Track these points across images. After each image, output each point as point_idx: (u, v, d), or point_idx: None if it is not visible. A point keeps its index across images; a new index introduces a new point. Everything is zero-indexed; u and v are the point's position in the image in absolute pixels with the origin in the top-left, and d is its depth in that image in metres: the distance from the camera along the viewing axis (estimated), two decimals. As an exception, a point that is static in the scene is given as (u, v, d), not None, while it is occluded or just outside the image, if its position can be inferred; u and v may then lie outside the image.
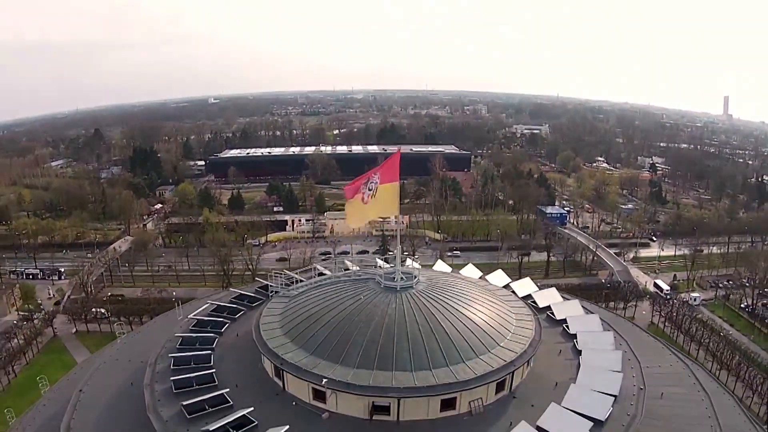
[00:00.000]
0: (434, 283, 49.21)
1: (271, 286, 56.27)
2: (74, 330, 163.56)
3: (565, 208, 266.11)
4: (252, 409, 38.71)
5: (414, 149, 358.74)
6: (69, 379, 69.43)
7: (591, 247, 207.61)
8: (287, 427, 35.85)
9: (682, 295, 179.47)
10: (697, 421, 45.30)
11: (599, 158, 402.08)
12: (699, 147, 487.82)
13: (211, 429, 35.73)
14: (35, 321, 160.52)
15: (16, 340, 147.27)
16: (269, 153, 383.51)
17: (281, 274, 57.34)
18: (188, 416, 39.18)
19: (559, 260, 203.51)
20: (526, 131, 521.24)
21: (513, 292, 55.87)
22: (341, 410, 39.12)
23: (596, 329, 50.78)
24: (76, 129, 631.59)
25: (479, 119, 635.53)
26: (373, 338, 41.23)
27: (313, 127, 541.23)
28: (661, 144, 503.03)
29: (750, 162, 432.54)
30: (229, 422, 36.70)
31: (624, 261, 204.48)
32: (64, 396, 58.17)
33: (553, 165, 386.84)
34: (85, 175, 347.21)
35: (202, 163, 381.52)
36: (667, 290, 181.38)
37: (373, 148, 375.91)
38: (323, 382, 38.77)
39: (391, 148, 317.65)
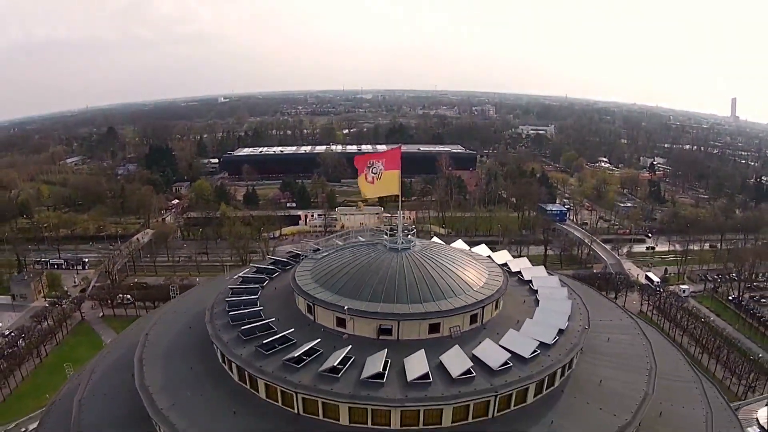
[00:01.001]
0: (427, 248, 62.81)
1: (301, 252, 70.93)
2: (101, 314, 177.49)
3: (566, 206, 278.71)
4: (293, 330, 52.64)
5: (422, 149, 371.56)
6: (126, 333, 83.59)
7: (586, 241, 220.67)
8: (318, 340, 49.59)
9: (672, 287, 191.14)
10: (635, 359, 58.53)
11: (602, 159, 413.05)
12: (702, 148, 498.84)
13: (263, 341, 49.54)
14: (63, 306, 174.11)
15: (46, 323, 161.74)
16: (281, 152, 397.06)
17: (308, 244, 72.07)
18: (244, 338, 52.27)
19: (557, 254, 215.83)
20: (531, 132, 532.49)
21: (492, 260, 69.65)
22: (357, 332, 52.41)
23: (554, 285, 64.47)
24: (87, 127, 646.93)
25: (487, 120, 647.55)
26: (380, 281, 54.72)
27: (323, 126, 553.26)
28: (666, 145, 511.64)
29: (752, 163, 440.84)
30: (275, 338, 50.46)
31: (618, 255, 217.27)
32: (124, 345, 72.16)
33: (557, 165, 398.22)
34: (101, 172, 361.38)
35: (216, 160, 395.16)
36: (658, 282, 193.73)
37: (382, 148, 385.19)
38: (345, 309, 51.98)
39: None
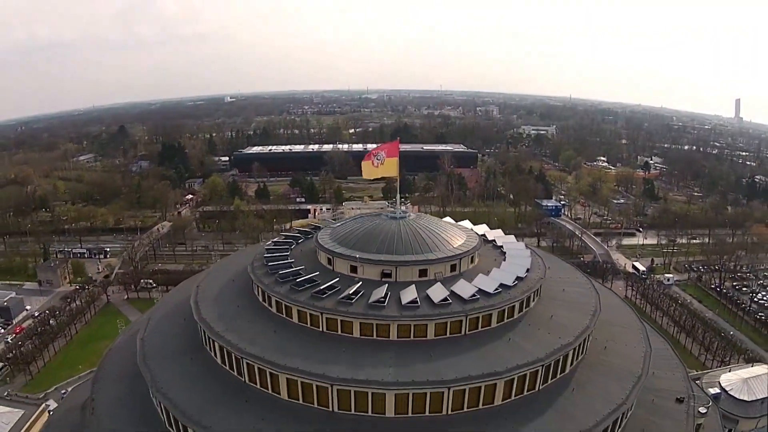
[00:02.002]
0: (419, 218, 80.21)
1: (321, 223, 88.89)
2: (125, 297, 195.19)
3: (561, 202, 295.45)
4: (317, 273, 69.72)
5: (425, 148, 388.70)
6: (172, 293, 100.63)
7: (577, 233, 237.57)
8: (337, 279, 67.12)
9: (658, 276, 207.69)
10: (582, 304, 74.24)
11: (601, 158, 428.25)
12: (701, 148, 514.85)
13: (296, 281, 67.13)
14: (90, 289, 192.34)
15: (74, 304, 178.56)
16: (290, 150, 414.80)
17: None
18: (280, 280, 69.03)
19: (549, 245, 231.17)
20: (532, 132, 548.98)
21: (471, 229, 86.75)
22: (365, 276, 68.96)
23: (520, 248, 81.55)
24: (96, 126, 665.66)
25: (490, 120, 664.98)
26: (383, 239, 71.37)
27: (329, 126, 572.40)
28: (665, 145, 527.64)
29: (749, 163, 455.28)
30: (304, 279, 67.22)
31: (607, 246, 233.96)
32: (172, 302, 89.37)
33: (556, 164, 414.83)
34: (116, 169, 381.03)
35: (226, 158, 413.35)
36: (644, 271, 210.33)
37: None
38: (357, 258, 69.38)
39: (404, 147, 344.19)
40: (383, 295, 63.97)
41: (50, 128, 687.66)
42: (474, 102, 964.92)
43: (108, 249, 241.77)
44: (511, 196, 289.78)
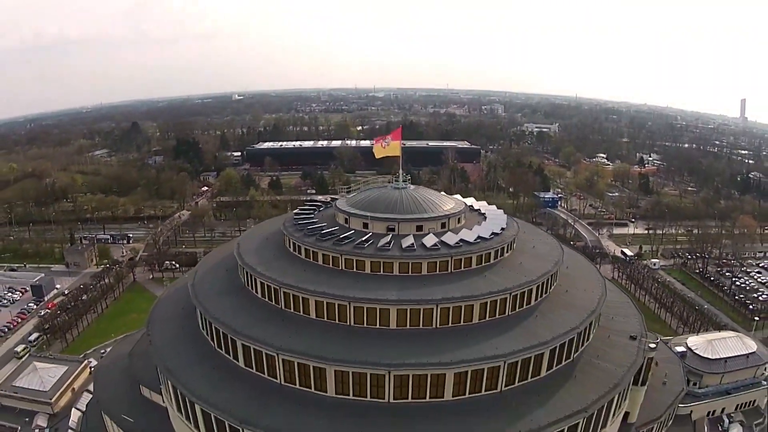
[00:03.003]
0: (417, 189, 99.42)
1: (339, 194, 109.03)
2: (150, 276, 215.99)
3: (558, 194, 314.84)
4: (337, 228, 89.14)
5: (430, 144, 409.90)
6: (211, 254, 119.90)
7: (570, 221, 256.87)
8: (352, 231, 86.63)
9: (645, 261, 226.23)
10: (548, 256, 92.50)
11: (601, 155, 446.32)
12: (700, 147, 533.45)
13: (320, 233, 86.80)
14: (118, 268, 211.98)
15: (104, 281, 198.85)
16: (300, 145, 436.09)
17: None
18: (307, 234, 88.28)
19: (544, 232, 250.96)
20: (535, 129, 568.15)
21: (460, 199, 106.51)
22: (374, 230, 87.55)
23: (499, 213, 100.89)
24: (105, 122, 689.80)
25: (494, 118, 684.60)
26: (388, 203, 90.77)
27: (337, 123, 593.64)
28: (666, 143, 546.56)
29: (747, 161, 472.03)
30: (327, 232, 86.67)
31: (598, 234, 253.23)
32: (213, 260, 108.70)
33: (557, 160, 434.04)
34: (132, 163, 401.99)
35: (238, 153, 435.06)
36: (631, 255, 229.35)
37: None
38: (368, 216, 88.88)
39: (410, 143, 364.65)
40: (388, 242, 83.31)
41: (60, 125, 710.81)
42: (480, 101, 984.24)
43: (131, 235, 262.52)
44: (511, 189, 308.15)
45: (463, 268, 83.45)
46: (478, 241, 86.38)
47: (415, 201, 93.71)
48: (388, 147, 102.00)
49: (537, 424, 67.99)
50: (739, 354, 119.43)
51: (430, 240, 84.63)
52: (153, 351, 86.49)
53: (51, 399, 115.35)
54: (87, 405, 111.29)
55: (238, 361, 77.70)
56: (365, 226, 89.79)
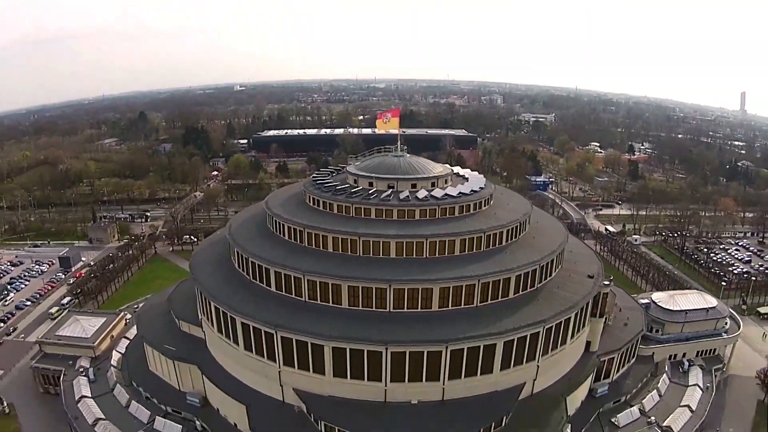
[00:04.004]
0: (412, 157, 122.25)
1: (348, 163, 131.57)
2: (171, 249, 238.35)
3: (550, 179, 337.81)
4: (347, 186, 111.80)
5: (429, 132, 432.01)
6: (244, 210, 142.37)
7: (557, 201, 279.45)
8: (360, 188, 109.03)
9: (627, 237, 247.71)
10: (519, 210, 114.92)
11: (594, 143, 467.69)
12: (694, 137, 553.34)
13: (334, 189, 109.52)
14: (141, 241, 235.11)
15: (129, 252, 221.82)
16: (305, 133, 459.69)
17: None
18: (324, 190, 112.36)
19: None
20: (532, 119, 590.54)
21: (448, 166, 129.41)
22: (378, 187, 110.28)
23: (480, 177, 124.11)
24: (109, 113, 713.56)
25: (493, 108, 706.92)
26: (389, 167, 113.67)
27: (339, 113, 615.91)
28: (661, 134, 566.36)
29: (740, 151, 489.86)
30: (341, 188, 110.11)
31: (584, 213, 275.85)
32: (241, 217, 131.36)
33: (551, 148, 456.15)
34: (142, 151, 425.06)
35: (244, 141, 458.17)
36: (614, 232, 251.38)
37: (394, 131, 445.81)
38: (373, 176, 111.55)
39: (410, 131, 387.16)
40: (389, 195, 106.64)
41: (64, 116, 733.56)
42: (479, 92, 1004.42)
43: (149, 214, 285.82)
44: (504, 173, 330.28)
45: (447, 216, 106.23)
46: (460, 195, 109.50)
47: (411, 166, 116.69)
48: (389, 122, 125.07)
49: (504, 328, 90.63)
50: (699, 308, 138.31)
51: (421, 194, 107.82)
52: (198, 284, 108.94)
53: (93, 344, 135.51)
54: (126, 348, 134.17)
55: (270, 286, 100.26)
56: (371, 184, 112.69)
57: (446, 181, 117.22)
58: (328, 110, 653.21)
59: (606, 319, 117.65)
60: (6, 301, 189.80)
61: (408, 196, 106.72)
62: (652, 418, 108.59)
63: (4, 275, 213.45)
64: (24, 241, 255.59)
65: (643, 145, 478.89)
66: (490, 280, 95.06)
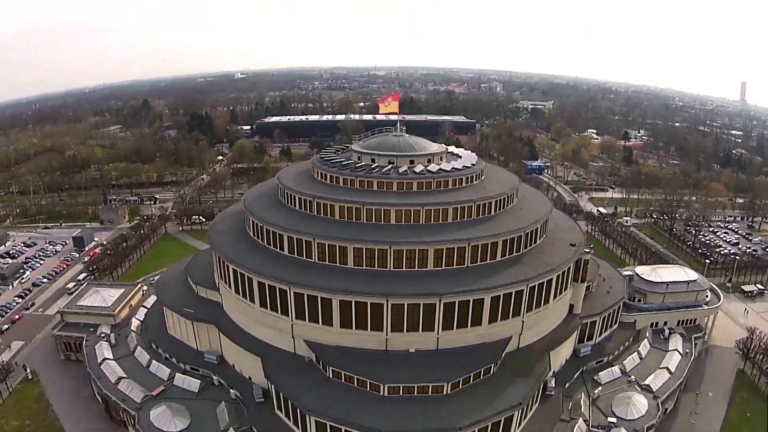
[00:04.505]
0: (411, 137, 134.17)
1: (354, 142, 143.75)
2: (180, 229, 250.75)
3: (545, 163, 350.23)
4: (352, 161, 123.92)
5: (428, 118, 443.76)
6: (256, 186, 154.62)
7: (551, 183, 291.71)
8: (363, 163, 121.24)
9: (618, 219, 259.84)
10: (507, 184, 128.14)
11: (591, 130, 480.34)
12: (691, 125, 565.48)
13: (340, 165, 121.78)
14: (152, 222, 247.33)
15: (141, 231, 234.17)
16: (307, 119, 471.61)
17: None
18: (330, 165, 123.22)
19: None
20: (530, 106, 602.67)
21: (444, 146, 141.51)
22: (379, 163, 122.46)
23: (472, 155, 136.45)
24: (111, 101, 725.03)
25: (492, 95, 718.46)
26: (389, 145, 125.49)
27: (340, 100, 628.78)
28: (658, 122, 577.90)
29: (735, 140, 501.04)
30: (345, 164, 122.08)
31: (578, 196, 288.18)
32: (255, 192, 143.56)
33: (549, 134, 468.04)
34: (148, 137, 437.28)
35: (248, 127, 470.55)
36: (605, 213, 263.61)
37: (394, 117, 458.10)
38: (375, 153, 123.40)
39: (409, 117, 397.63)
40: (389, 170, 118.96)
41: (66, 105, 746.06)
42: (479, 79, 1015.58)
43: (158, 196, 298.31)
44: (501, 158, 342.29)
45: (442, 188, 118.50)
46: (453, 170, 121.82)
47: (409, 144, 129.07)
48: (389, 106, 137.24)
49: (492, 285, 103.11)
50: (680, 280, 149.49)
51: (418, 169, 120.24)
52: (218, 251, 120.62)
53: (114, 312, 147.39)
54: (145, 315, 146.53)
55: (283, 250, 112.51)
56: (373, 161, 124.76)
57: (441, 158, 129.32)
58: (329, 97, 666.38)
59: (589, 286, 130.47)
60: (22, 279, 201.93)
61: (406, 171, 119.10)
62: (633, 377, 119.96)
63: (18, 255, 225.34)
64: (36, 223, 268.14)
65: (639, 133, 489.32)
66: (479, 244, 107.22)
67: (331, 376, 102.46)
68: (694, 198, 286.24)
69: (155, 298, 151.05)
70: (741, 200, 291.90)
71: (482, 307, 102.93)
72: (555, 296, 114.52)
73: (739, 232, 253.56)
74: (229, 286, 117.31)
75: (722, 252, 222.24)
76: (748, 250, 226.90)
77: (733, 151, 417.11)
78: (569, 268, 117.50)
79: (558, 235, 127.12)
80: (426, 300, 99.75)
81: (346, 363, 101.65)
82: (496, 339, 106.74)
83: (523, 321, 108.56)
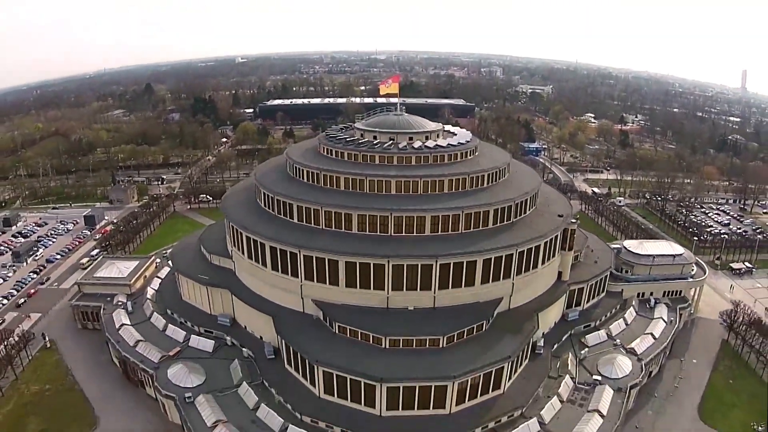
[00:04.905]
0: (410, 116, 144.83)
1: (357, 121, 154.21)
2: (188, 207, 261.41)
3: (543, 145, 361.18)
4: (355, 138, 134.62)
5: (428, 101, 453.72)
6: (267, 161, 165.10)
7: (547, 164, 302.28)
8: (366, 140, 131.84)
9: (612, 199, 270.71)
10: (499, 160, 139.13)
11: (589, 114, 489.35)
12: (690, 111, 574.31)
13: (345, 141, 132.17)
14: (161, 200, 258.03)
15: (151, 209, 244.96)
16: (309, 102, 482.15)
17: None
18: (337, 142, 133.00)
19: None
20: (529, 90, 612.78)
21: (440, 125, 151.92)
22: (380, 140, 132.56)
23: (467, 133, 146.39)
24: (113, 86, 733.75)
25: (492, 80, 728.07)
26: (390, 123, 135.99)
27: (341, 84, 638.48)
28: (656, 107, 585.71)
29: (732, 126, 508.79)
30: (350, 140, 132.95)
31: (572, 177, 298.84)
32: (268, 165, 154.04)
33: (547, 118, 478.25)
34: (152, 120, 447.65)
35: (250, 110, 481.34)
36: (599, 192, 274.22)
37: (394, 100, 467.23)
38: (376, 131, 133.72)
39: (410, 100, 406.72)
40: (390, 145, 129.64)
41: (67, 91, 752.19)
42: (480, 64, 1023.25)
43: (165, 177, 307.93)
44: (500, 140, 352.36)
45: (438, 162, 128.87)
46: (449, 146, 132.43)
47: (408, 122, 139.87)
48: (390, 87, 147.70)
49: (484, 248, 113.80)
50: (666, 253, 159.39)
51: (417, 144, 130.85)
52: (232, 221, 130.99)
53: (130, 282, 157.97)
54: (159, 284, 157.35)
55: (292, 218, 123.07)
56: (375, 137, 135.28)
57: (438, 136, 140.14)
58: (330, 81, 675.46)
59: (578, 256, 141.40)
60: (36, 256, 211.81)
61: (405, 146, 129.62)
62: (618, 341, 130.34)
63: (30, 235, 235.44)
64: (46, 204, 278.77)
65: (636, 117, 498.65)
66: (472, 212, 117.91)
67: (337, 332, 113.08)
68: (688, 180, 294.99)
69: (168, 270, 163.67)
70: (734, 184, 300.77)
71: (475, 268, 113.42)
72: (543, 262, 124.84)
73: (731, 213, 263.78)
74: (242, 253, 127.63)
75: (712, 231, 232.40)
76: (738, 231, 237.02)
77: (729, 137, 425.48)
78: (557, 237, 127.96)
79: (548, 208, 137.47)
80: (424, 261, 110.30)
81: (351, 319, 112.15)
82: (488, 299, 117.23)
83: (513, 283, 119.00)
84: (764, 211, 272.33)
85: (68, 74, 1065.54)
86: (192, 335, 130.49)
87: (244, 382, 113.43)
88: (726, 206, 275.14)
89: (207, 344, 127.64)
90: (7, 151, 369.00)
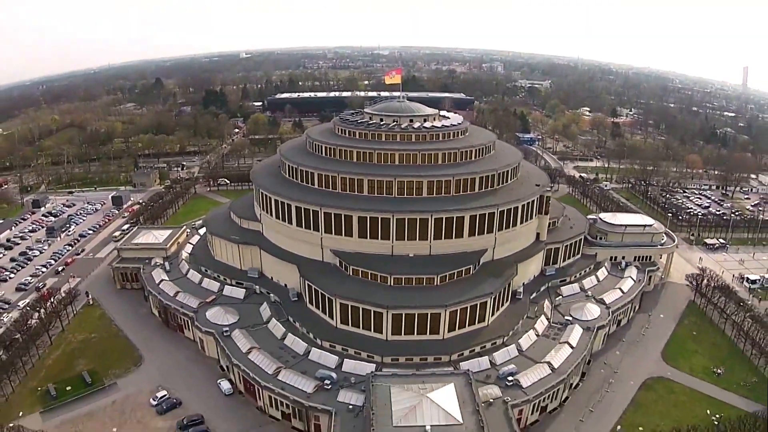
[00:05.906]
0: (412, 102, 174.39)
1: (366, 107, 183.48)
2: (208, 189, 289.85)
3: (537, 136, 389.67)
4: (365, 120, 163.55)
5: (430, 94, 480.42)
6: (288, 142, 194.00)
7: (539, 152, 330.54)
8: (373, 122, 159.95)
9: (598, 184, 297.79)
10: (490, 139, 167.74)
11: (585, 108, 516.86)
12: (685, 106, 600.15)
13: (356, 122, 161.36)
14: (182, 183, 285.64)
15: (175, 189, 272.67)
16: (315, 95, 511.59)
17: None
18: (349, 123, 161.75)
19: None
20: (527, 84, 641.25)
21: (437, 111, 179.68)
22: (386, 122, 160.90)
23: (459, 117, 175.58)
24: (120, 81, 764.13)
25: (492, 75, 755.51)
26: (393, 108, 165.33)
27: (346, 78, 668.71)
28: (651, 102, 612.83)
29: (726, 120, 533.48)
30: (360, 121, 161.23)
31: (563, 164, 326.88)
32: (288, 145, 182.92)
33: (543, 111, 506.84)
34: (165, 113, 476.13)
35: (259, 103, 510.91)
36: (586, 177, 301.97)
37: (396, 93, 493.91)
38: (382, 114, 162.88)
39: (411, 93, 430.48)
40: (393, 126, 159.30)
41: (72, 85, 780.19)
42: (481, 59, 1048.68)
43: (184, 163, 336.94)
44: (496, 130, 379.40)
45: (434, 139, 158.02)
46: (443, 127, 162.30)
47: (409, 107, 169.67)
48: (394, 78, 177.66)
49: (470, 206, 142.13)
50: (637, 223, 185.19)
51: (417, 124, 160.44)
52: (261, 187, 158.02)
53: (166, 246, 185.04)
54: (192, 247, 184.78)
55: (313, 185, 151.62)
56: (381, 120, 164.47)
57: (434, 119, 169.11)
58: (334, 75, 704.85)
59: (555, 222, 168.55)
60: (69, 231, 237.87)
61: (407, 127, 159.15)
62: (590, 293, 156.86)
63: (60, 214, 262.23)
64: (71, 189, 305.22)
65: (630, 111, 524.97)
66: (461, 179, 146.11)
67: (351, 274, 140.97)
68: (674, 169, 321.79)
69: (198, 237, 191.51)
70: (717, 172, 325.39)
71: (463, 223, 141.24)
72: (522, 221, 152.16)
73: (713, 198, 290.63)
74: (270, 214, 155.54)
75: (690, 213, 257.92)
76: (718, 213, 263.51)
77: (719, 130, 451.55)
78: (534, 201, 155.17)
79: (528, 180, 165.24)
80: (421, 216, 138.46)
81: (362, 263, 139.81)
82: (475, 249, 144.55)
83: (495, 237, 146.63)
84: (746, 197, 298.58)
85: (71, 69, 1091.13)
86: (225, 286, 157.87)
87: (273, 319, 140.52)
88: (708, 192, 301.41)
89: (239, 293, 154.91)
90: (25, 141, 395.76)
